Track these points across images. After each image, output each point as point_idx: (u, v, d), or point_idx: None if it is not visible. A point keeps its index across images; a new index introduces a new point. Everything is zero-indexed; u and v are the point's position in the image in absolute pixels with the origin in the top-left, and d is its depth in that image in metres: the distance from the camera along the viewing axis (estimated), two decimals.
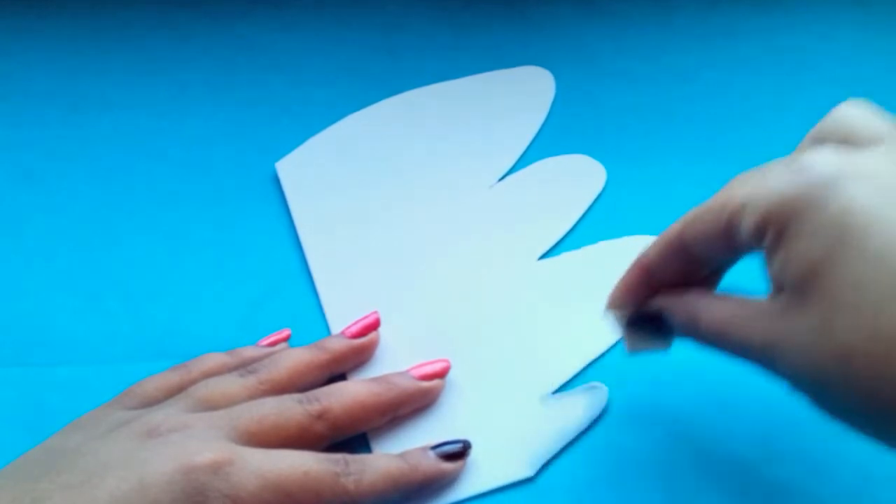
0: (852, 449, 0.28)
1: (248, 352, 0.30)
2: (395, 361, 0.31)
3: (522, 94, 0.42)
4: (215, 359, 0.30)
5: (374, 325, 0.31)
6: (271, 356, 0.30)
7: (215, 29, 0.47)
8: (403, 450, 0.28)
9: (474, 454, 0.28)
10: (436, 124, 0.41)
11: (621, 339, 0.28)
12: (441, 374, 0.30)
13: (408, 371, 0.30)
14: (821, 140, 0.24)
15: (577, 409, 0.29)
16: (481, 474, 0.28)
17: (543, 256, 0.35)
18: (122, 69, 0.45)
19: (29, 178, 0.39)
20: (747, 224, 0.21)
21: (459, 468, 0.28)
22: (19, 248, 0.36)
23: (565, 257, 0.35)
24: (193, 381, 0.28)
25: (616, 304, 0.27)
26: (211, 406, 0.27)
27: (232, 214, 0.37)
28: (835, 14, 0.47)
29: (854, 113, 0.24)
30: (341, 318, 0.33)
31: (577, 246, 0.35)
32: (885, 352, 0.18)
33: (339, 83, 0.43)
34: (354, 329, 0.31)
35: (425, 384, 0.29)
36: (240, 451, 0.24)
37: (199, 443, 0.24)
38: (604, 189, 0.37)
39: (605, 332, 0.32)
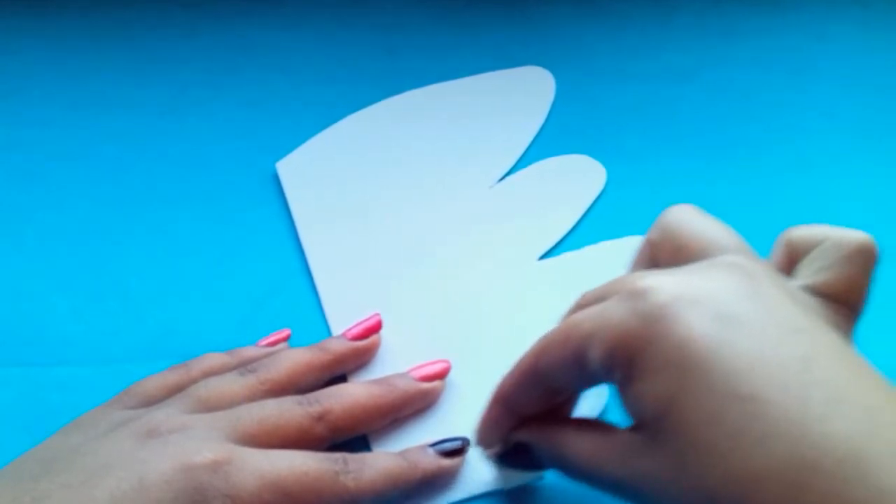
0: None
1: (248, 352, 0.30)
2: (395, 361, 0.31)
3: (522, 94, 0.42)
4: (215, 359, 0.30)
5: (376, 328, 0.31)
6: (271, 356, 0.30)
7: (215, 29, 0.47)
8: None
9: (475, 455, 0.28)
10: (436, 124, 0.41)
11: (495, 474, 0.28)
12: (441, 375, 0.30)
13: (408, 372, 0.30)
14: (655, 247, 0.24)
15: (577, 409, 0.29)
16: (481, 474, 0.28)
17: (544, 256, 0.35)
18: (122, 69, 0.45)
19: (29, 178, 0.39)
20: (594, 359, 0.21)
21: (458, 465, 0.28)
22: (19, 248, 0.36)
23: (566, 257, 0.35)
24: (193, 381, 0.28)
25: (483, 442, 0.26)
26: (210, 406, 0.27)
27: (232, 214, 0.37)
28: (835, 14, 0.47)
29: (681, 220, 0.24)
30: (341, 317, 0.33)
31: (578, 246, 0.35)
32: (740, 494, 0.18)
33: (339, 83, 0.43)
34: (356, 331, 0.31)
35: (426, 385, 0.29)
36: (239, 451, 0.24)
37: (198, 443, 0.24)
38: (604, 189, 0.37)
39: None
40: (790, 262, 0.23)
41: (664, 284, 0.20)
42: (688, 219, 0.24)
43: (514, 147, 0.39)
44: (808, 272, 0.22)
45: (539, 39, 0.45)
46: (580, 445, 0.23)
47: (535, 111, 0.41)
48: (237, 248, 0.36)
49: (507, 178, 0.38)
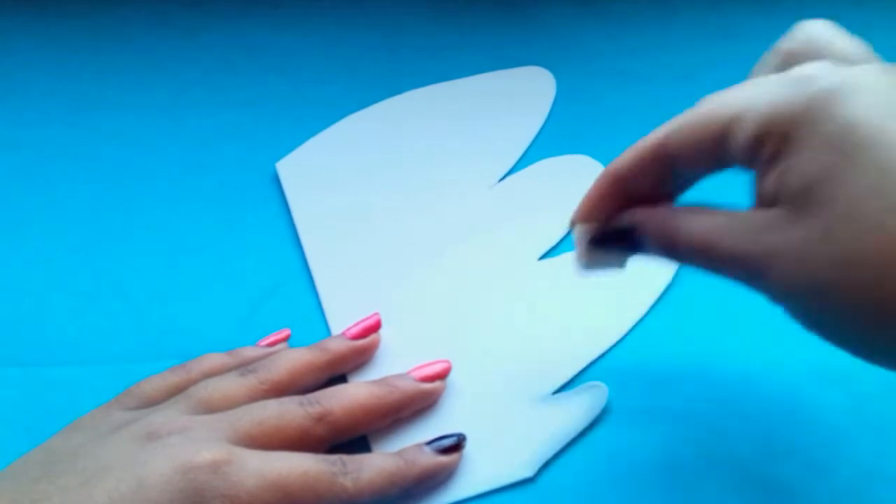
0: (852, 448, 0.28)
1: (248, 352, 0.30)
2: (395, 361, 0.31)
3: (523, 94, 0.42)
4: (215, 359, 0.30)
5: (376, 327, 0.31)
6: (271, 356, 0.30)
7: (215, 29, 0.47)
8: None
9: (474, 454, 0.28)
10: (436, 124, 0.41)
11: (577, 256, 0.27)
12: (442, 375, 0.30)
13: (408, 373, 0.30)
14: (792, 59, 0.23)
15: (577, 409, 0.29)
16: (481, 474, 0.28)
17: (543, 256, 0.35)
18: (122, 69, 0.45)
19: (29, 178, 0.39)
20: (743, 135, 0.21)
21: (456, 461, 0.28)
22: (19, 248, 0.36)
23: (565, 257, 0.35)
24: (193, 382, 0.28)
25: (584, 216, 0.26)
26: (211, 407, 0.27)
27: (232, 214, 0.37)
28: (835, 14, 0.47)
29: (824, 32, 0.24)
30: (341, 317, 0.33)
31: None
32: (886, 261, 0.18)
33: (339, 83, 0.43)
34: (355, 330, 0.31)
35: (426, 386, 0.29)
36: (239, 452, 0.24)
37: (198, 444, 0.24)
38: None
39: (606, 332, 0.32)
40: None
41: (832, 72, 0.20)
42: (833, 34, 0.24)
43: (514, 147, 0.39)
44: None
45: (539, 39, 0.45)
46: (698, 224, 0.22)
47: (536, 111, 0.41)
48: (237, 248, 0.36)
49: (507, 178, 0.38)
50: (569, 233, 0.35)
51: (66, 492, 0.23)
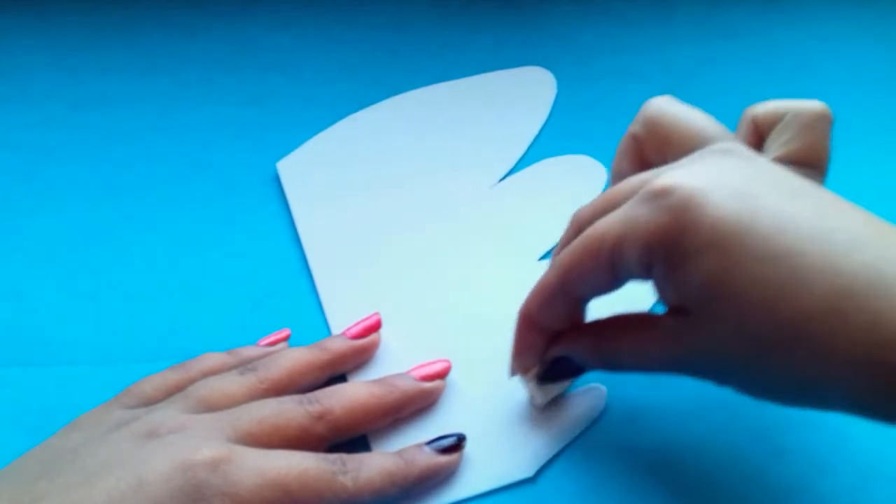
0: (852, 447, 0.28)
1: (248, 351, 0.30)
2: (395, 361, 0.31)
3: (523, 94, 0.42)
4: (215, 358, 0.30)
5: (376, 327, 0.31)
6: (271, 355, 0.30)
7: (216, 28, 0.47)
8: None
9: (474, 454, 0.28)
10: (436, 124, 0.41)
11: (532, 400, 0.29)
12: (442, 375, 0.30)
13: (408, 372, 0.30)
14: (640, 141, 0.27)
15: (577, 409, 0.29)
16: (481, 474, 0.28)
17: (544, 257, 0.35)
18: (122, 69, 0.45)
19: (29, 178, 0.39)
20: (631, 259, 0.23)
21: (456, 460, 0.28)
22: (19, 248, 0.36)
23: None
24: (193, 381, 0.28)
25: (521, 368, 0.28)
26: (210, 406, 0.27)
27: (232, 214, 0.37)
28: (835, 14, 0.47)
29: (667, 113, 0.27)
30: (341, 318, 0.33)
31: None
32: (795, 335, 0.20)
33: (339, 83, 0.43)
34: (355, 330, 0.31)
35: (426, 385, 0.29)
36: (238, 451, 0.24)
37: (198, 442, 0.24)
38: (604, 189, 0.37)
39: None
40: (758, 138, 0.27)
41: (680, 178, 0.22)
42: (670, 110, 0.27)
43: (515, 147, 0.39)
44: (777, 145, 0.26)
45: (539, 39, 0.45)
46: (627, 343, 0.25)
47: (536, 111, 0.41)
48: (237, 248, 0.36)
49: (508, 179, 0.38)
50: None
51: (66, 490, 0.23)
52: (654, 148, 0.27)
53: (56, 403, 0.30)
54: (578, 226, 0.26)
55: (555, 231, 0.36)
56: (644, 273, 0.23)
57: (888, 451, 0.28)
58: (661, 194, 0.22)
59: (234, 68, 0.44)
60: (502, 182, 0.38)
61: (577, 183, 0.38)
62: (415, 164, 0.39)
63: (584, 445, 0.29)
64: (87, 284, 0.35)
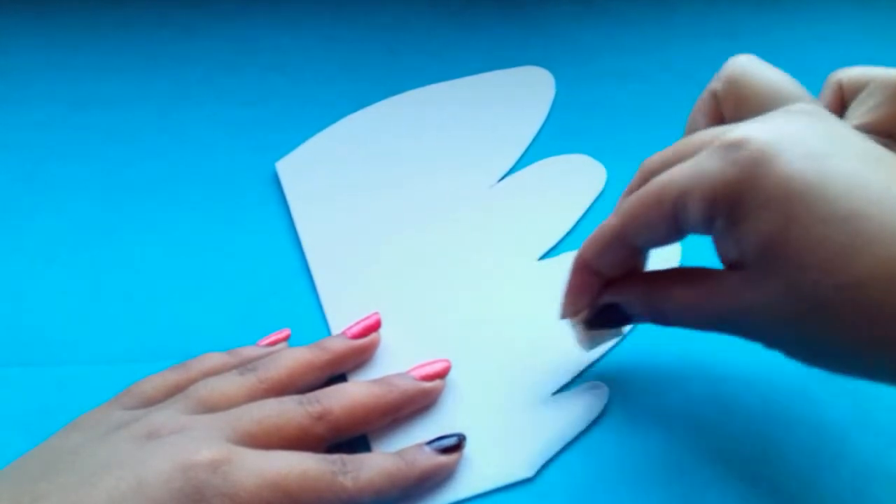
0: (852, 448, 0.28)
1: (248, 351, 0.30)
2: (395, 361, 0.31)
3: (522, 94, 0.42)
4: (215, 358, 0.30)
5: (375, 326, 0.31)
6: (271, 355, 0.29)
7: (216, 28, 0.47)
8: None
9: (474, 454, 0.28)
10: (436, 124, 0.41)
11: (577, 341, 0.29)
12: (442, 375, 0.30)
13: (408, 372, 0.30)
14: (719, 98, 0.26)
15: (577, 409, 0.29)
16: (481, 474, 0.28)
17: (543, 256, 0.35)
18: (122, 68, 0.45)
19: (29, 178, 0.39)
20: (694, 212, 0.23)
21: (456, 460, 0.28)
22: (19, 248, 0.36)
23: (565, 257, 0.35)
24: (193, 381, 0.28)
25: (571, 311, 0.28)
26: (210, 406, 0.27)
27: (232, 214, 0.37)
28: (835, 14, 0.47)
29: (749, 71, 0.26)
30: (341, 318, 0.33)
31: (578, 246, 0.35)
32: (852, 298, 0.20)
33: (339, 83, 0.43)
34: (355, 329, 0.31)
35: (426, 385, 0.29)
36: (238, 451, 0.24)
37: (197, 443, 0.24)
38: (604, 189, 0.37)
39: (606, 332, 0.32)
40: (840, 104, 0.26)
41: (755, 133, 0.22)
42: (753, 69, 0.26)
43: (514, 147, 0.39)
44: (860, 112, 0.25)
45: (539, 39, 0.45)
46: (682, 293, 0.24)
47: (535, 111, 0.41)
48: (237, 248, 0.36)
49: (507, 178, 0.38)
50: (569, 233, 0.36)
51: (66, 490, 0.23)
52: (733, 106, 0.27)
53: (56, 403, 0.30)
54: (646, 174, 0.25)
55: (554, 231, 0.36)
56: (706, 227, 0.23)
57: (888, 451, 0.28)
58: (734, 146, 0.22)
59: (234, 68, 0.44)
60: (501, 182, 0.38)
61: (576, 183, 0.38)
62: (414, 164, 0.39)
63: (584, 445, 0.29)
64: (87, 284, 0.35)
